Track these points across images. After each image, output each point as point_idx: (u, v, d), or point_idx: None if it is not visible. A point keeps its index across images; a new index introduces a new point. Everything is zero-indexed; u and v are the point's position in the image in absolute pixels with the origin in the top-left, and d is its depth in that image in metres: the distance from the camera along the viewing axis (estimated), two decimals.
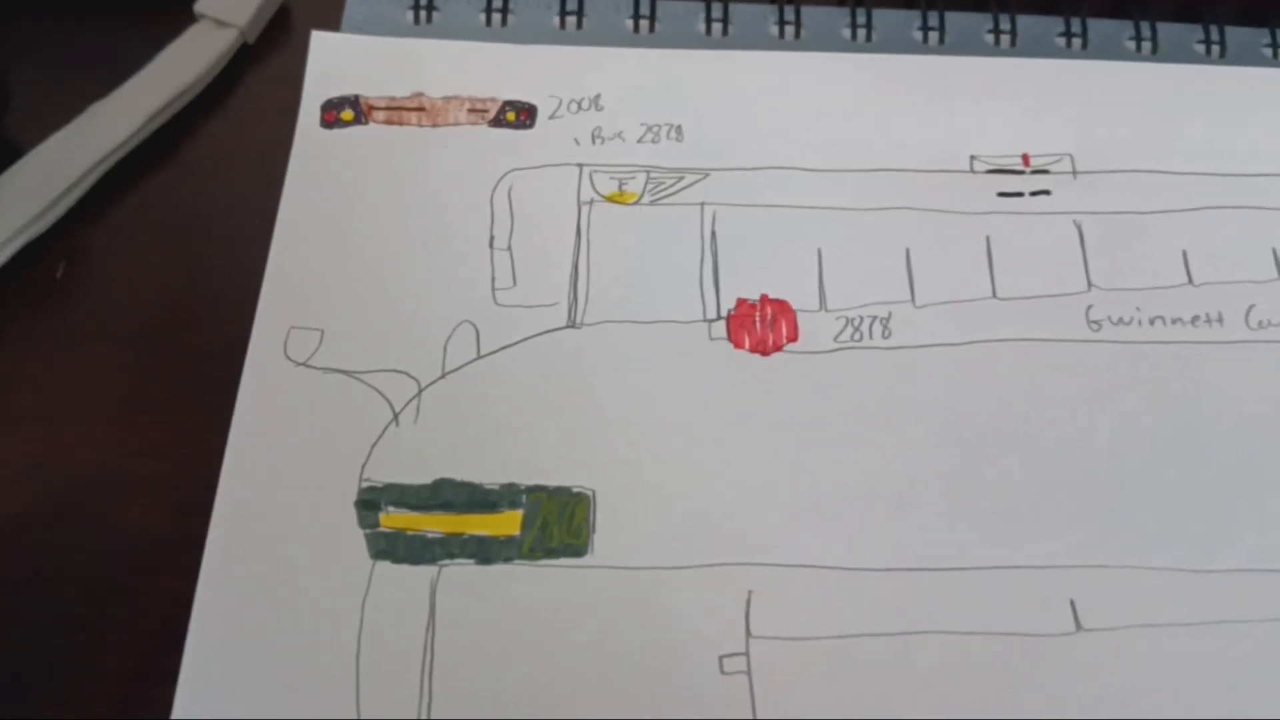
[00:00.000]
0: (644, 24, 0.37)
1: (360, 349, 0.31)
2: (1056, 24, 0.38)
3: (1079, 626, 0.28)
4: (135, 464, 0.30)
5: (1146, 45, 0.38)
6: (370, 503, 0.29)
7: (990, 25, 0.37)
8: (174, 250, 0.34)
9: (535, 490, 0.29)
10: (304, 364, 0.30)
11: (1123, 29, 0.38)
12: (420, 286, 0.32)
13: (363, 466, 0.29)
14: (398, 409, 0.30)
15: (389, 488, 0.29)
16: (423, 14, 0.37)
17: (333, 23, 0.37)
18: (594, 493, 0.29)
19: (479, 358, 0.31)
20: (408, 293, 0.31)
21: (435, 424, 0.30)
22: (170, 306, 0.32)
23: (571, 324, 0.31)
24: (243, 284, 0.32)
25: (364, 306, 0.31)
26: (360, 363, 0.30)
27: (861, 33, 0.37)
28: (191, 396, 0.31)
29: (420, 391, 0.30)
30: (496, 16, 0.37)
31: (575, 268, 0.32)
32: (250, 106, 0.36)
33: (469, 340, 0.31)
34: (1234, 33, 0.38)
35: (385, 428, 0.29)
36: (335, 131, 0.34)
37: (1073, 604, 0.28)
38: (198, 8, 0.37)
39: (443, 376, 0.30)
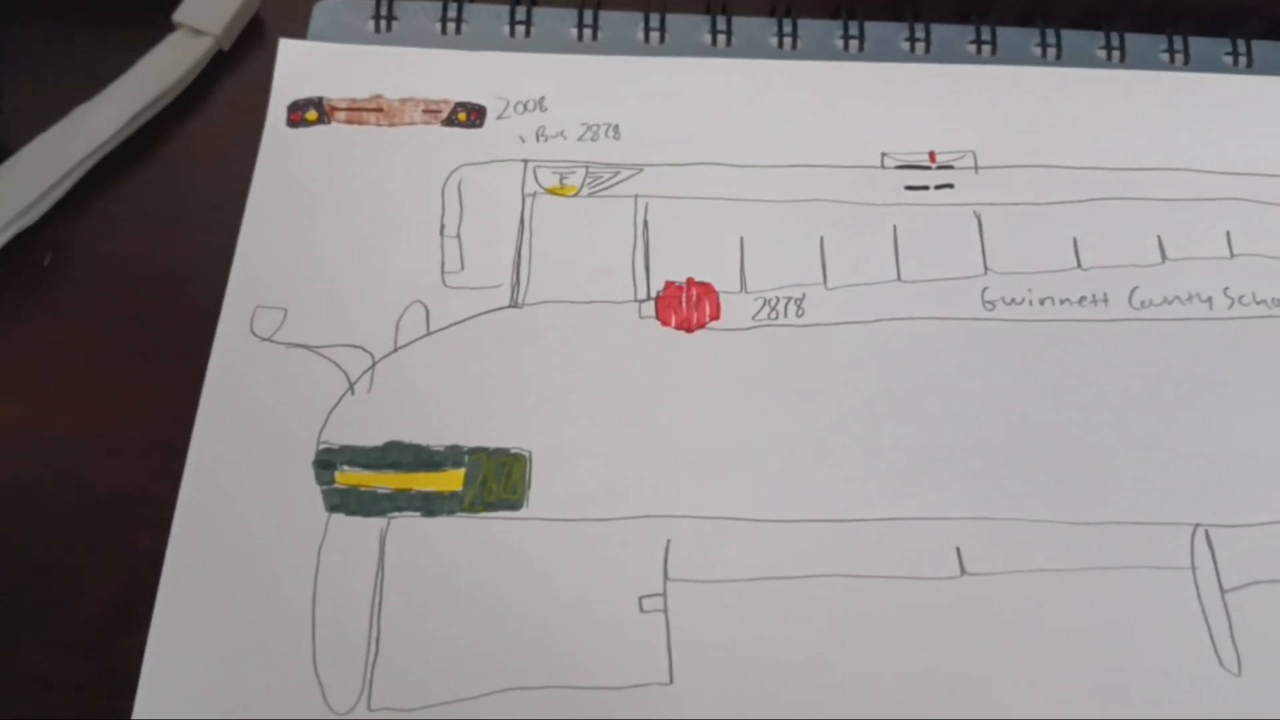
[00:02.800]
0: (587, 33, 0.40)
1: (320, 326, 0.33)
2: (968, 32, 0.41)
3: (963, 571, 0.31)
4: (113, 429, 0.32)
5: (1051, 51, 0.41)
6: (326, 463, 0.31)
7: (906, 34, 0.40)
8: (152, 238, 0.36)
9: (476, 451, 0.32)
10: (268, 339, 0.33)
11: (1030, 36, 0.41)
12: (376, 270, 0.34)
13: (320, 430, 0.32)
14: (353, 379, 0.32)
15: (343, 449, 0.31)
16: (383, 23, 0.39)
17: (301, 30, 0.39)
18: (530, 453, 0.32)
19: (428, 334, 0.33)
20: (364, 275, 0.34)
21: (387, 393, 0.32)
22: (147, 289, 0.35)
23: (513, 304, 0.34)
24: (214, 268, 0.34)
25: (324, 288, 0.34)
26: (320, 338, 0.33)
27: (788, 41, 0.40)
28: (165, 369, 0.33)
29: (374, 364, 0.33)
30: (451, 25, 0.40)
31: (518, 253, 0.35)
32: (224, 108, 0.39)
33: (419, 318, 0.34)
34: (1134, 39, 0.41)
35: (341, 396, 0.32)
36: (300, 130, 0.37)
37: (958, 551, 0.31)
38: (176, 17, 0.39)
39: (395, 351, 0.33)
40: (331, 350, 0.33)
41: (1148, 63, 0.41)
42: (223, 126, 0.38)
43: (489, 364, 0.33)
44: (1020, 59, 0.40)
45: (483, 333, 0.34)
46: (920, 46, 0.40)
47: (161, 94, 0.38)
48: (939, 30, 0.41)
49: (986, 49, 0.40)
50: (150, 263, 0.36)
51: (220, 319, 0.33)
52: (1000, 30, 0.41)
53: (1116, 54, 0.41)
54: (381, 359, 0.33)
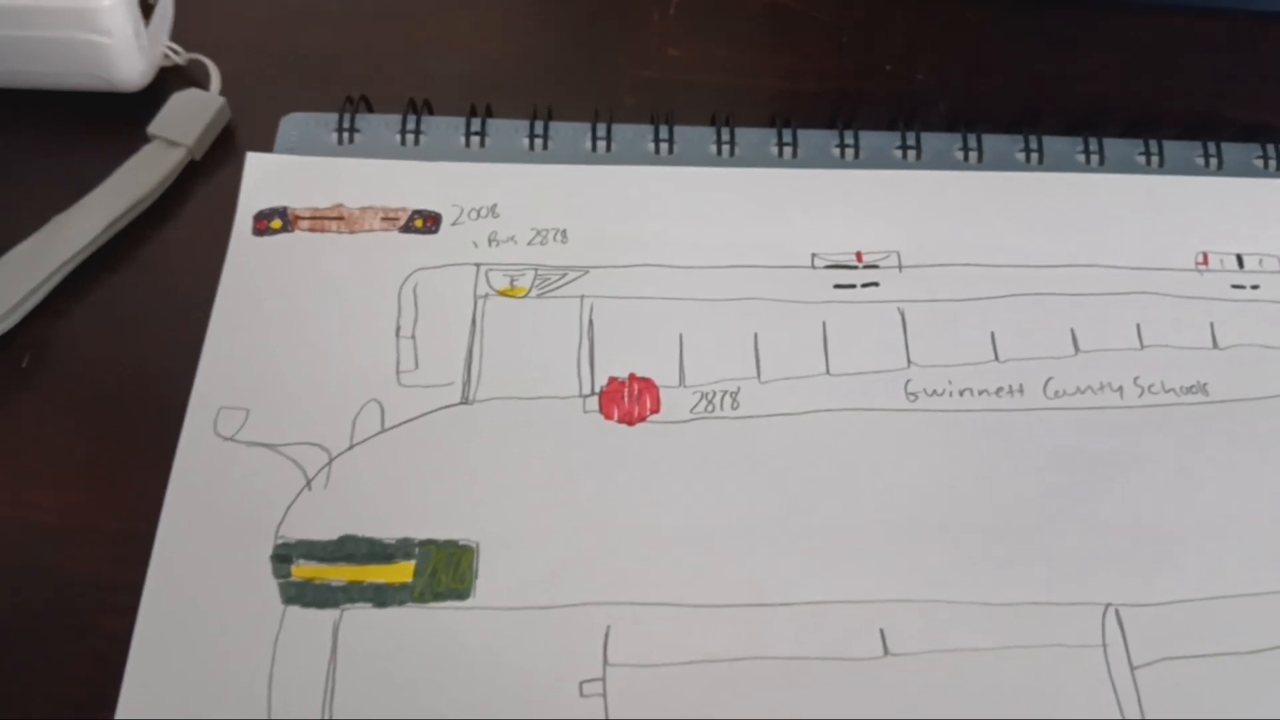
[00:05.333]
0: (539, 142, 0.42)
1: (280, 425, 0.35)
2: (895, 139, 0.43)
3: (886, 651, 0.33)
4: (85, 521, 0.34)
5: (974, 155, 0.44)
6: (283, 557, 0.33)
7: (838, 141, 0.43)
8: (125, 341, 0.38)
9: (427, 543, 0.33)
10: (230, 439, 0.35)
11: (954, 142, 0.44)
12: (334, 371, 0.36)
13: (278, 526, 0.33)
14: (310, 476, 0.34)
15: (300, 543, 0.33)
16: (346, 135, 0.42)
17: (269, 141, 0.41)
18: (478, 544, 0.33)
19: (383, 431, 0.35)
20: (323, 376, 0.36)
21: (342, 488, 0.34)
22: (119, 389, 0.37)
23: (464, 400, 0.36)
24: (182, 368, 0.36)
25: (285, 388, 0.36)
26: (279, 437, 0.35)
27: (726, 149, 0.43)
28: (135, 465, 0.35)
29: (330, 461, 0.34)
30: (410, 137, 0.42)
31: (470, 352, 0.37)
32: (195, 215, 0.40)
33: (375, 416, 0.35)
34: (1052, 142, 0.44)
35: (299, 492, 0.34)
36: (264, 239, 0.39)
37: (882, 632, 0.33)
38: (151, 129, 0.41)
39: (350, 448, 0.35)
40: (290, 448, 0.35)
41: (1065, 164, 0.44)
42: (193, 233, 0.40)
43: (440, 458, 0.35)
44: (945, 163, 0.43)
45: (435, 428, 0.35)
46: (850, 153, 0.43)
47: (136, 202, 0.39)
48: (868, 137, 0.43)
49: (913, 154, 0.43)
50: (122, 364, 0.37)
51: (185, 419, 0.35)
52: (926, 136, 0.43)
53: (1036, 156, 0.44)
54: (338, 456, 0.35)
